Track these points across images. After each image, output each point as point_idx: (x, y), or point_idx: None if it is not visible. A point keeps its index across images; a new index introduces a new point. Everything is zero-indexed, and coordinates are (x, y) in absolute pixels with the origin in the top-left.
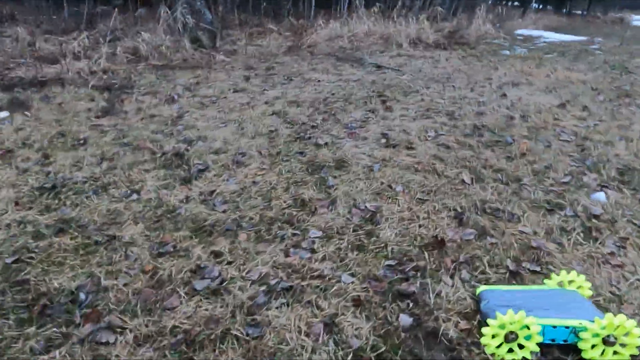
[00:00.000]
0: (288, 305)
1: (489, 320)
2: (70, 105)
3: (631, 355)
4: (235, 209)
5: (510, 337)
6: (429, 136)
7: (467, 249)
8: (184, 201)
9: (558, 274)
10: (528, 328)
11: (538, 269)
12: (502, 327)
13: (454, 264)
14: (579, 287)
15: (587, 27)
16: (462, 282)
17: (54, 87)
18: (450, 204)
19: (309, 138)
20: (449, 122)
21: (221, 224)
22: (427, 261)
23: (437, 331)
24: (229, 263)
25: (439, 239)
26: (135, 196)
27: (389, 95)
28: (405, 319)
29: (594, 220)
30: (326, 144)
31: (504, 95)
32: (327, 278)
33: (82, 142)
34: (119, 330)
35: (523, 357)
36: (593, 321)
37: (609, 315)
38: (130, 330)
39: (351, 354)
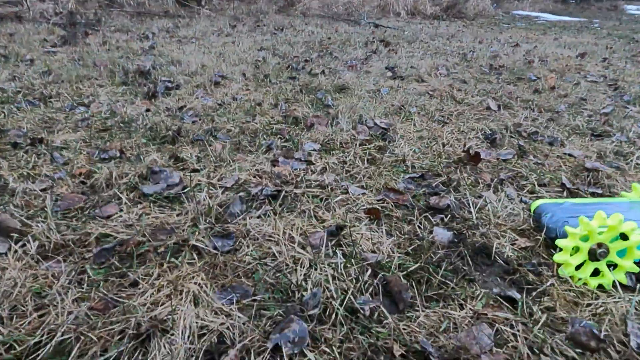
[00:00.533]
0: (275, 214)
1: (567, 228)
2: (25, 37)
3: None
4: (210, 122)
5: (599, 251)
6: (440, 73)
7: (507, 167)
8: (144, 114)
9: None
10: (623, 238)
11: (599, 191)
12: (585, 238)
13: (494, 181)
14: None
15: (583, 12)
16: (508, 199)
17: (9, 23)
18: (477, 127)
19: (303, 68)
20: (461, 62)
21: (189, 134)
22: (460, 175)
23: (488, 249)
24: (195, 171)
25: (473, 153)
26: (82, 109)
27: (392, 41)
28: (443, 233)
29: None
30: (323, 72)
31: (517, 45)
32: (329, 188)
33: (27, 62)
34: (16, 237)
35: (615, 280)
36: None
37: None
38: (35, 238)
39: (369, 270)
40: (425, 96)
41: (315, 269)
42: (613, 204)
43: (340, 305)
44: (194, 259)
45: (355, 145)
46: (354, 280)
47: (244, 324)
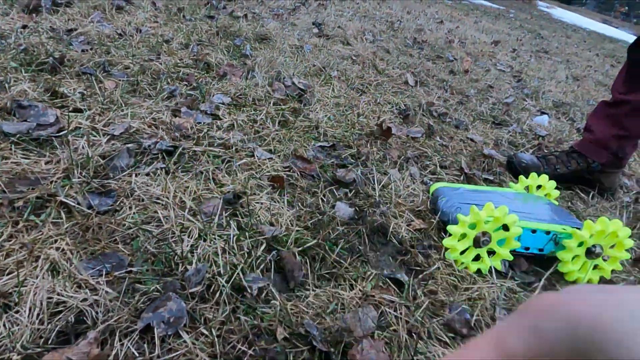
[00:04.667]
0: (168, 173)
1: (459, 216)
2: None
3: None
4: (105, 53)
5: (482, 239)
6: (366, 38)
7: (415, 146)
8: (19, 31)
9: (527, 177)
10: (505, 229)
11: (491, 177)
12: (473, 226)
13: (401, 159)
14: (547, 194)
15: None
16: (412, 178)
17: None
18: (393, 100)
19: (224, 8)
20: (387, 30)
21: (76, 64)
22: (369, 149)
23: (385, 229)
24: (78, 111)
25: (385, 127)
26: None
27: None
28: (344, 209)
29: (540, 140)
30: (245, 16)
31: (441, 22)
32: (233, 149)
33: None
34: None
35: (492, 266)
36: (579, 228)
37: (603, 219)
38: None
39: (264, 245)
40: (348, 60)
41: (205, 240)
42: (501, 193)
43: (227, 282)
44: (61, 219)
45: (269, 103)
46: (246, 255)
47: (111, 300)
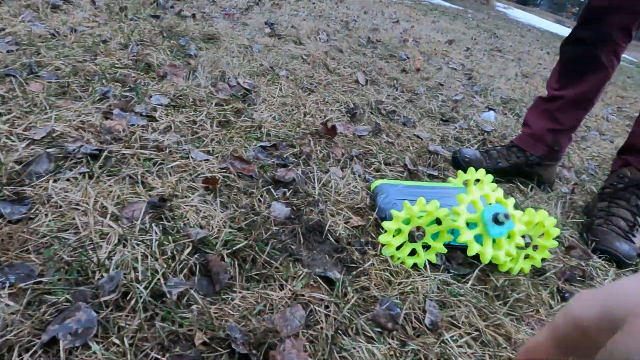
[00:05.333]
0: (91, 177)
1: (393, 212)
2: None
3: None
4: (34, 54)
5: (417, 234)
6: (320, 38)
7: (361, 144)
8: None
9: (465, 172)
10: (438, 223)
11: (436, 173)
12: (407, 221)
13: (345, 157)
14: None
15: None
16: (354, 175)
17: None
18: (342, 99)
19: (171, 7)
20: (342, 30)
21: None
22: (312, 148)
23: (322, 227)
24: None
25: (330, 126)
26: None
27: None
28: (280, 209)
29: (486, 135)
30: (194, 15)
31: (397, 22)
32: (167, 151)
33: None
34: None
35: (427, 260)
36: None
37: (530, 210)
38: None
39: (190, 248)
40: (298, 60)
41: (125, 246)
42: (439, 188)
43: (146, 288)
44: None
45: (211, 104)
46: (170, 260)
47: (13, 313)
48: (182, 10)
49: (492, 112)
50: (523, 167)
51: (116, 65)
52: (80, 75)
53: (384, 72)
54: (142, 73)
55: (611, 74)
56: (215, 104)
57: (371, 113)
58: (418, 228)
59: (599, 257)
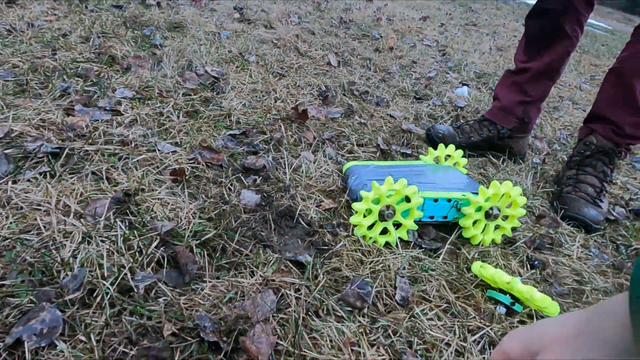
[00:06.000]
0: (53, 176)
1: (362, 192)
2: None
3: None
4: None
5: (387, 212)
6: (291, 21)
7: (333, 126)
8: None
9: (446, 147)
10: (407, 201)
11: (409, 151)
12: (377, 201)
13: (317, 140)
14: (456, 163)
15: None
16: (326, 158)
17: None
18: (314, 82)
19: None
20: (314, 11)
21: None
22: (283, 134)
23: (293, 212)
24: None
25: (301, 110)
26: None
27: None
28: (250, 196)
29: (459, 111)
30: (159, 4)
31: (370, 1)
32: (133, 144)
33: None
34: None
35: (399, 237)
36: (477, 193)
37: (495, 182)
38: None
39: (157, 240)
40: (268, 44)
41: (89, 243)
42: (410, 166)
43: (112, 284)
44: None
45: (178, 95)
46: (137, 254)
47: None
48: None
49: (465, 87)
50: (495, 141)
51: (78, 60)
52: (39, 71)
53: (356, 53)
54: (105, 66)
55: (575, 44)
56: (183, 94)
57: (344, 95)
58: (388, 207)
59: (568, 224)
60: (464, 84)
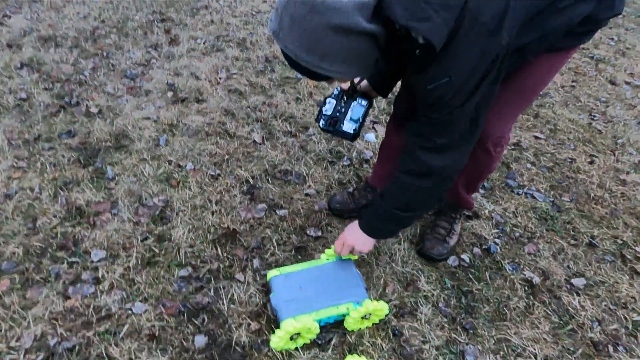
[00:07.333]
0: None
1: (277, 331)
2: None
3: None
4: None
5: (295, 336)
6: (220, 78)
7: (259, 230)
8: None
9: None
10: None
11: (320, 233)
12: (288, 334)
13: (246, 254)
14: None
15: None
16: (254, 274)
17: None
18: (242, 175)
19: (77, 104)
20: (240, 54)
21: None
22: (220, 260)
23: (231, 342)
24: None
25: (231, 229)
26: None
27: (174, 17)
28: (200, 340)
29: (364, 165)
30: (100, 111)
31: None
32: (116, 316)
33: None
34: None
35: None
36: (360, 304)
37: (367, 302)
38: None
39: None
40: (200, 135)
41: None
42: (314, 269)
43: None
44: None
45: (138, 240)
46: None
47: None
48: (87, 103)
49: (372, 134)
50: None
51: (54, 225)
52: (31, 253)
53: (280, 111)
54: (75, 223)
55: None
56: (141, 239)
57: (268, 182)
58: (297, 333)
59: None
60: (374, 125)
